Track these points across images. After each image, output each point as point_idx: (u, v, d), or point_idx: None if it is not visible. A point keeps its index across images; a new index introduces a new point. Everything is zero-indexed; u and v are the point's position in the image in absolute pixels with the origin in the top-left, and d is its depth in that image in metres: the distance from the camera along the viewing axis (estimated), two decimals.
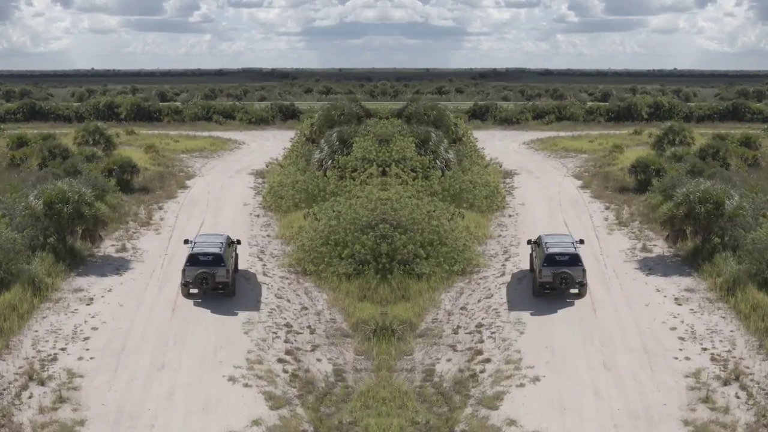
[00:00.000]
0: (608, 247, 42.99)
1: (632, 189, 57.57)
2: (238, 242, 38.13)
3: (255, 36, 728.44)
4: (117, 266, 39.58)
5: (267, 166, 68.81)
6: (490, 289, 35.77)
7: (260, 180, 62.82)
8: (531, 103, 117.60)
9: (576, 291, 33.84)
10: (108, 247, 43.05)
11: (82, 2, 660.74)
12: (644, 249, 42.38)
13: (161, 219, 49.91)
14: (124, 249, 42.58)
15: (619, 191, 57.41)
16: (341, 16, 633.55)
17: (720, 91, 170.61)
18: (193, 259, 33.65)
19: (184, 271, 33.74)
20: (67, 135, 79.52)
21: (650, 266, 39.35)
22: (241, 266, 38.84)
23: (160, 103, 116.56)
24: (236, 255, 37.07)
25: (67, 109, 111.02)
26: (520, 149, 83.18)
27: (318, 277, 36.60)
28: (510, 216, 50.56)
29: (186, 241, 37.66)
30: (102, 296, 35.02)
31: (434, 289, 35.18)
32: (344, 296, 34.00)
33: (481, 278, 37.54)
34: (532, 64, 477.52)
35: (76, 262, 39.46)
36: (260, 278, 37.41)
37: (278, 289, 35.78)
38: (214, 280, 33.12)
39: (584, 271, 33.86)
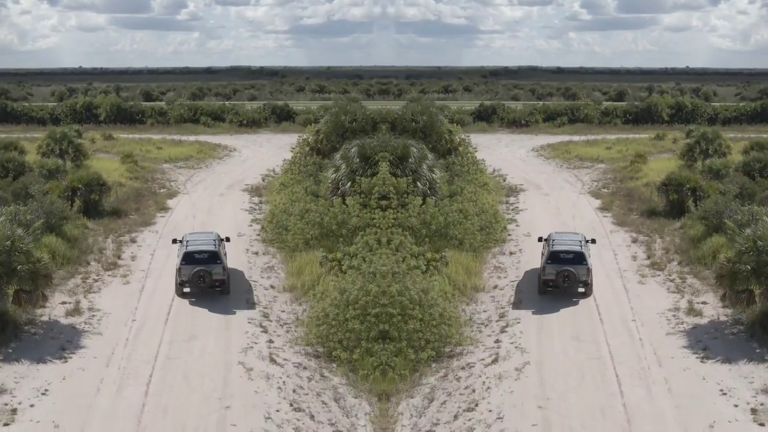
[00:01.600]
0: (641, 306, 30.47)
1: (662, 212, 45.33)
2: (227, 239, 34.99)
3: (243, 34, 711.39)
4: (63, 342, 26.96)
5: (264, 180, 56.33)
6: (474, 391, 23.18)
7: (256, 199, 50.20)
8: (542, 103, 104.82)
9: (582, 290, 30.78)
10: (56, 306, 30.48)
11: (69, 0, 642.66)
12: (691, 310, 29.78)
13: (132, 258, 37.27)
14: (77, 310, 29.97)
15: (647, 215, 45.05)
16: (329, 14, 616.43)
17: (739, 90, 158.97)
18: (188, 258, 31.07)
19: (179, 269, 31.00)
20: (38, 140, 66.27)
21: (704, 343, 26.76)
22: (239, 343, 26.62)
23: (144, 104, 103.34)
24: (225, 253, 33.27)
25: (42, 111, 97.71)
26: (528, 157, 70.57)
27: (352, 368, 24.11)
28: (511, 254, 37.66)
29: (175, 240, 35.04)
30: (31, 405, 22.41)
31: (389, 396, 22.65)
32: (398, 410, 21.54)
33: (463, 368, 24.83)
34: (545, 62, 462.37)
35: (7, 336, 26.91)
36: (265, 366, 24.91)
37: (294, 391, 23.22)
38: (211, 277, 30.66)
39: (589, 270, 30.93)
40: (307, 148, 53.54)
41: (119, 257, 37.26)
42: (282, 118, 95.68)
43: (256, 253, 37.67)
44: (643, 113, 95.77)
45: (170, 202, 49.51)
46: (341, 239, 33.72)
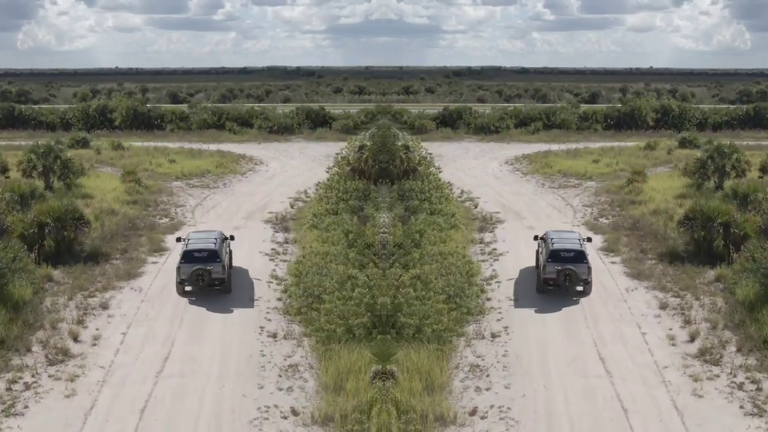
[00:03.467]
0: None
1: (685, 254, 33.30)
2: (232, 238, 32.37)
3: (279, 34, 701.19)
4: None
5: (293, 207, 43.88)
6: None
7: (281, 236, 37.66)
8: (512, 107, 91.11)
9: (581, 289, 28.79)
10: None
11: (106, 1, 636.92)
12: None
13: (94, 340, 24.91)
14: None
15: (667, 260, 32.84)
16: (367, 14, 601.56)
17: (712, 91, 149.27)
18: (187, 256, 29.17)
19: (179, 268, 29.07)
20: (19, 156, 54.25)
21: None
22: None
23: (164, 107, 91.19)
24: (230, 251, 31.35)
25: (52, 115, 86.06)
26: (501, 172, 57.26)
27: None
28: (494, 336, 24.56)
29: (179, 239, 32.45)
30: None
31: None
32: None
33: None
34: (508, 62, 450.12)
35: None
36: None
37: None
38: (210, 276, 28.64)
39: (589, 268, 28.93)
40: (347, 168, 40.83)
41: (76, 338, 24.95)
42: (317, 123, 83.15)
43: (274, 336, 25.02)
44: (626, 118, 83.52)
45: (169, 240, 37.09)
46: (405, 333, 20.83)
